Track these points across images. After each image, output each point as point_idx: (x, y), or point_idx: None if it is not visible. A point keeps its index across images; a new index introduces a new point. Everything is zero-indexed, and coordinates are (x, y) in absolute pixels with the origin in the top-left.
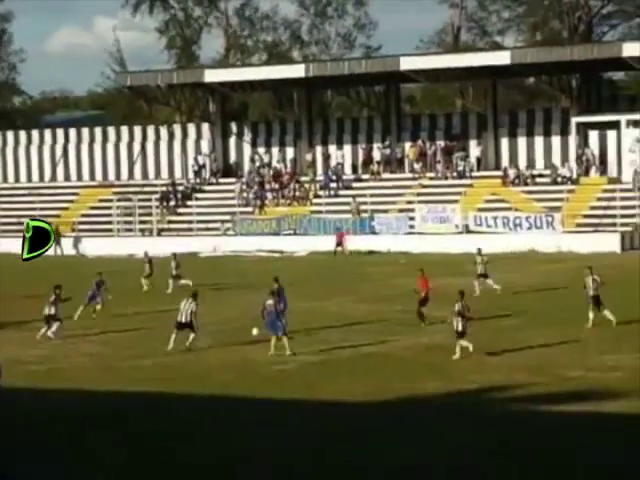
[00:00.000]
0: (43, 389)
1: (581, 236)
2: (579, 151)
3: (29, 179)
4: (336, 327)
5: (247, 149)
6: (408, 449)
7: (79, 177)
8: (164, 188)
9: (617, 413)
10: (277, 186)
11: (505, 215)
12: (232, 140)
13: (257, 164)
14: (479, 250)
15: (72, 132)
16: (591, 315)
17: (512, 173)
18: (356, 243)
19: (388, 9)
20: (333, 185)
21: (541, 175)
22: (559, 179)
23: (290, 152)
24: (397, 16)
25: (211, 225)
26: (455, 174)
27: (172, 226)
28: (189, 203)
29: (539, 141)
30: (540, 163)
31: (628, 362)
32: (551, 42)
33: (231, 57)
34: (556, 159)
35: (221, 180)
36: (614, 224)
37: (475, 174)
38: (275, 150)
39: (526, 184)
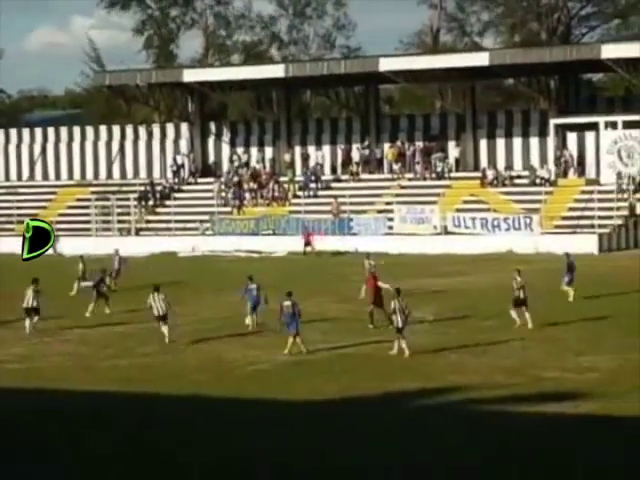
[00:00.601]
0: (24, 389)
1: (559, 237)
2: (557, 152)
3: (7, 178)
4: (315, 327)
5: (226, 149)
6: (374, 449)
7: (57, 176)
8: (142, 188)
9: (592, 414)
10: (256, 186)
11: (483, 216)
12: (211, 140)
13: (236, 164)
14: (368, 255)
15: (50, 131)
16: (514, 314)
17: (490, 174)
18: (334, 244)
19: (367, 10)
20: (312, 185)
21: (519, 176)
22: (537, 180)
23: (269, 152)
24: (376, 17)
25: (189, 225)
26: (434, 175)
27: (150, 226)
28: (167, 203)
29: (517, 142)
30: (518, 164)
31: (604, 364)
32: (530, 43)
33: (210, 57)
34: (534, 160)
35: (200, 180)
36: (592, 225)
37: (454, 175)
38: (254, 150)
39: (504, 185)
